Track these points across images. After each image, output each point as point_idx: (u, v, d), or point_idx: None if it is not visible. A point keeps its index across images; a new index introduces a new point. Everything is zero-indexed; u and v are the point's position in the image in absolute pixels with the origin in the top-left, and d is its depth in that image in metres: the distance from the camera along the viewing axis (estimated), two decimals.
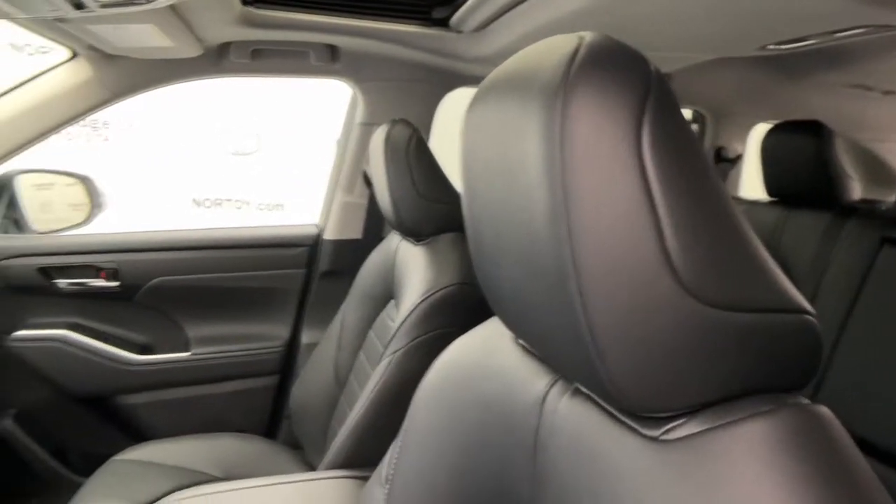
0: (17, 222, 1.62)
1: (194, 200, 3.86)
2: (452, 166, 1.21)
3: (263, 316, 1.69)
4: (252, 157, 3.95)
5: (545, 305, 0.37)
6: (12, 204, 1.62)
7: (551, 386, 0.43)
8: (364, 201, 1.66)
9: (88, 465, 1.49)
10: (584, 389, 0.41)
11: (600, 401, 0.40)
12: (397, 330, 0.97)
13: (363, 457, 1.01)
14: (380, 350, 1.12)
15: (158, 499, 1.15)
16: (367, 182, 1.63)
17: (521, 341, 0.47)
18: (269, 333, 1.70)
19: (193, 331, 1.66)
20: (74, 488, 1.52)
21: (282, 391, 1.70)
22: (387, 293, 1.15)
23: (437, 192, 1.14)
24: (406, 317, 0.95)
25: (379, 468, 0.63)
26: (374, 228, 1.66)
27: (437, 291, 0.96)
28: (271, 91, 3.80)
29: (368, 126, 1.57)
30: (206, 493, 0.96)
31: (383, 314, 1.16)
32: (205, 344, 1.65)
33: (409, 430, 0.56)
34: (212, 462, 1.42)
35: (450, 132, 1.69)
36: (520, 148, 0.36)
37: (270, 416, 1.72)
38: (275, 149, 3.92)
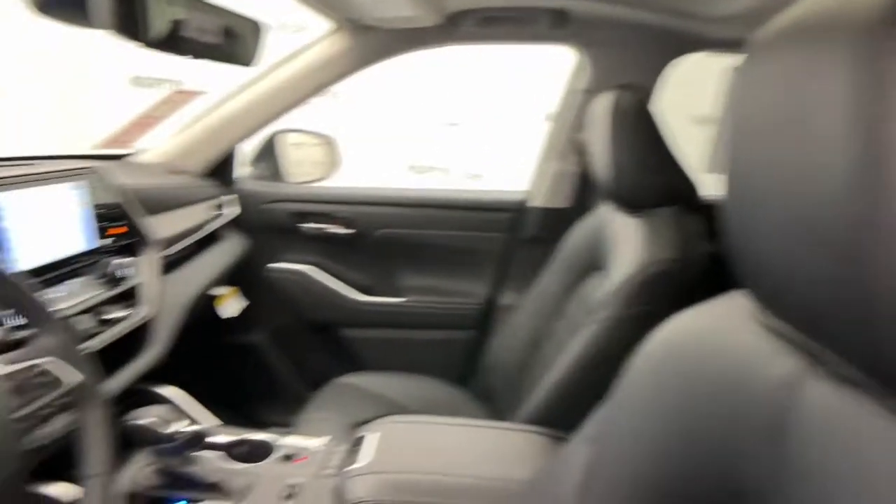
0: (277, 173, 1.92)
1: (411, 167, 4.19)
2: (675, 137, 1.17)
3: (466, 273, 1.80)
4: (459, 127, 4.15)
5: (823, 277, 0.34)
6: (275, 157, 1.92)
7: (802, 368, 0.39)
8: (577, 170, 1.67)
9: (316, 383, 1.75)
10: (849, 375, 0.37)
11: (875, 390, 0.35)
12: (604, 300, 0.98)
13: (557, 416, 1.05)
14: (579, 319, 1.14)
15: (367, 421, 1.31)
16: (580, 150, 1.63)
17: (765, 320, 0.44)
18: (471, 290, 1.81)
19: (408, 280, 1.83)
20: (305, 400, 1.80)
21: (477, 345, 1.81)
22: (592, 264, 1.16)
23: (661, 163, 1.11)
24: (617, 288, 0.96)
25: (583, 429, 0.65)
26: (583, 198, 1.67)
27: (652, 265, 0.95)
28: (479, 63, 3.93)
29: (591, 93, 1.56)
30: (409, 422, 1.08)
31: (586, 284, 1.18)
32: (416, 293, 1.82)
33: (623, 395, 0.57)
34: (412, 398, 1.58)
35: (674, 102, 1.63)
36: (816, 98, 0.33)
37: (464, 367, 1.84)
38: (480, 120, 4.08)
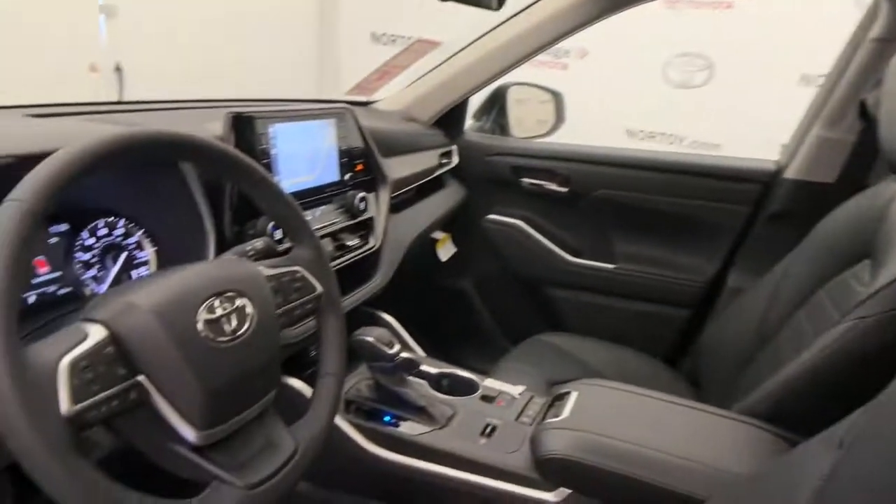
0: (501, 127, 1.95)
1: (628, 131, 3.95)
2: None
3: (692, 247, 1.67)
4: (698, 90, 3.78)
5: None
6: (501, 111, 1.94)
7: None
8: (851, 138, 1.42)
9: (516, 336, 1.78)
10: None
11: None
12: (872, 295, 0.83)
13: (788, 414, 0.93)
14: (831, 312, 0.99)
15: (563, 381, 1.30)
16: (864, 114, 1.37)
17: None
18: (694, 266, 1.67)
19: (622, 246, 1.76)
20: (502, 351, 1.84)
21: (693, 325, 1.68)
22: (860, 250, 0.99)
23: None
24: (891, 282, 0.80)
25: (828, 431, 0.58)
26: (855, 171, 1.41)
27: None
28: (729, 22, 3.52)
29: (887, 42, 1.30)
30: (613, 388, 1.04)
31: (847, 274, 1.01)
32: (631, 261, 1.73)
33: (892, 402, 0.50)
34: (611, 366, 1.52)
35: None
36: None
37: (673, 345, 1.72)
38: (725, 84, 3.66)
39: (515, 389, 1.13)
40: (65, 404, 0.50)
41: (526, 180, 1.78)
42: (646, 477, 0.85)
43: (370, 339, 1.01)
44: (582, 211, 1.76)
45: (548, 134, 1.93)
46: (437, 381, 1.17)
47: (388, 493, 1.02)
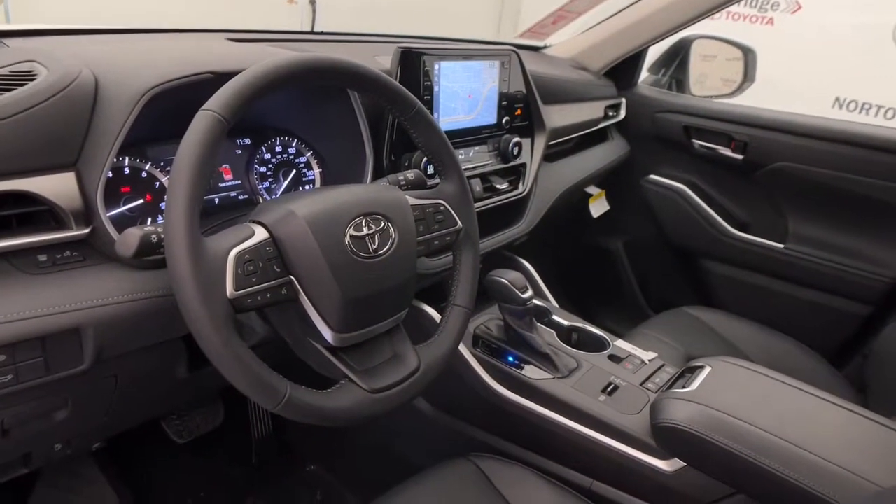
0: (679, 82, 1.82)
1: (837, 99, 3.46)
2: None
3: (883, 237, 1.46)
4: None
5: None
6: (681, 65, 1.80)
7: None
8: None
9: (659, 304, 1.71)
10: None
11: None
12: None
13: None
14: None
15: (700, 356, 1.25)
16: None
17: None
18: (882, 259, 1.47)
19: (797, 226, 1.59)
20: (642, 318, 1.78)
21: (868, 326, 1.49)
22: None
23: None
24: None
25: None
26: None
27: None
28: None
29: None
30: (755, 371, 0.96)
31: None
32: (804, 243, 1.57)
33: None
34: (763, 353, 1.40)
35: None
36: None
37: (841, 344, 1.55)
38: None
39: (647, 355, 1.10)
40: (229, 287, 0.59)
41: (697, 142, 1.66)
42: (776, 468, 0.79)
43: (504, 280, 1.03)
44: (756, 182, 1.61)
45: (732, 95, 1.77)
46: (566, 334, 1.17)
47: (501, 428, 1.06)
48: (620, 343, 1.14)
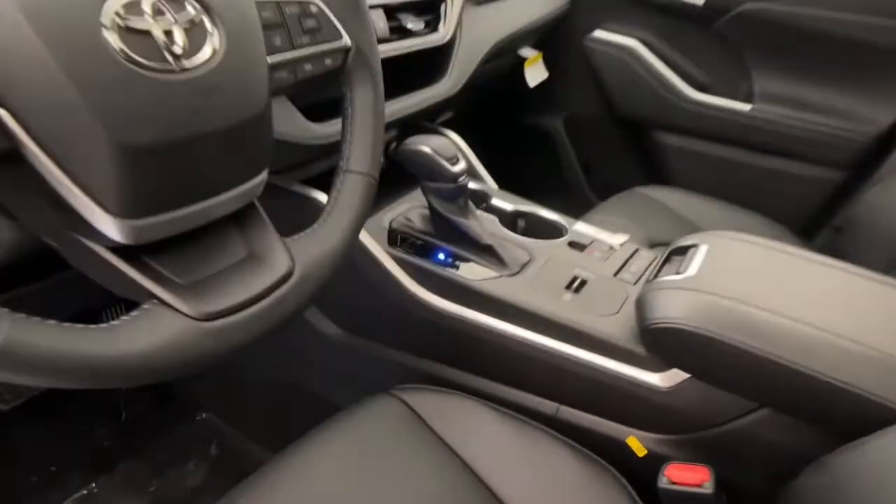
0: None
1: None
2: None
3: (867, 89, 1.25)
4: None
5: None
6: None
7: None
8: None
9: (607, 187, 1.48)
10: None
11: None
12: None
13: None
14: None
15: (666, 240, 1.03)
16: None
17: None
18: (863, 115, 1.26)
19: (763, 83, 1.35)
20: (589, 205, 1.55)
21: (842, 192, 1.31)
22: None
23: None
24: None
25: None
26: None
27: None
28: None
29: None
30: (754, 244, 0.73)
31: None
32: (773, 101, 1.34)
33: None
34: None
35: None
36: None
37: (812, 216, 1.37)
38: None
39: (616, 238, 0.85)
40: None
41: None
42: (816, 370, 0.57)
43: (426, 148, 0.74)
44: (718, 33, 1.35)
45: None
46: (511, 219, 0.90)
47: (434, 349, 0.79)
48: (580, 226, 0.88)
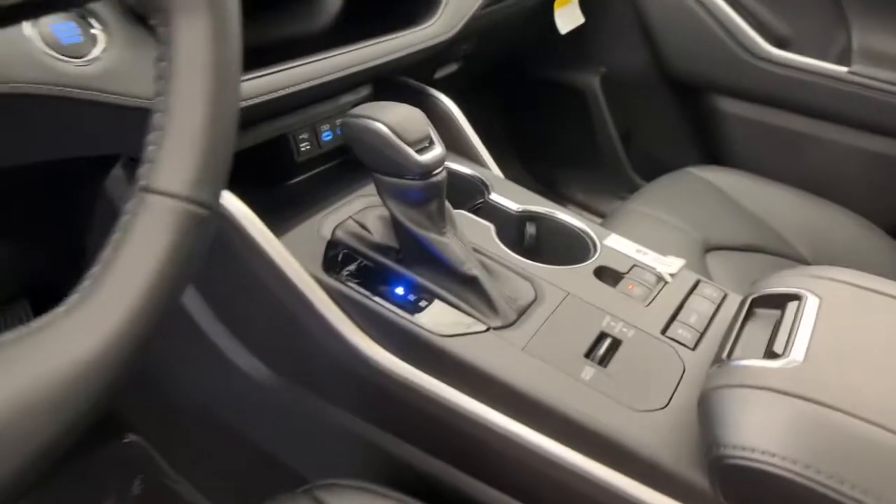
0: None
1: None
2: None
3: None
4: None
5: None
6: None
7: None
8: None
9: (652, 167, 1.20)
10: None
11: None
12: None
13: None
14: None
15: (724, 243, 0.77)
16: None
17: None
18: None
19: (865, 38, 1.04)
20: (630, 187, 1.28)
21: None
22: None
23: None
24: None
25: None
26: None
27: None
28: None
29: None
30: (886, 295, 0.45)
31: None
32: (874, 63, 1.02)
33: None
34: (806, 231, 0.95)
35: None
36: None
37: None
38: None
39: (666, 262, 0.58)
40: None
41: None
42: None
43: (379, 126, 0.47)
44: None
45: None
46: (516, 226, 0.63)
47: (386, 418, 0.54)
48: (614, 241, 0.61)
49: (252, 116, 0.57)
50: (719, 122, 1.19)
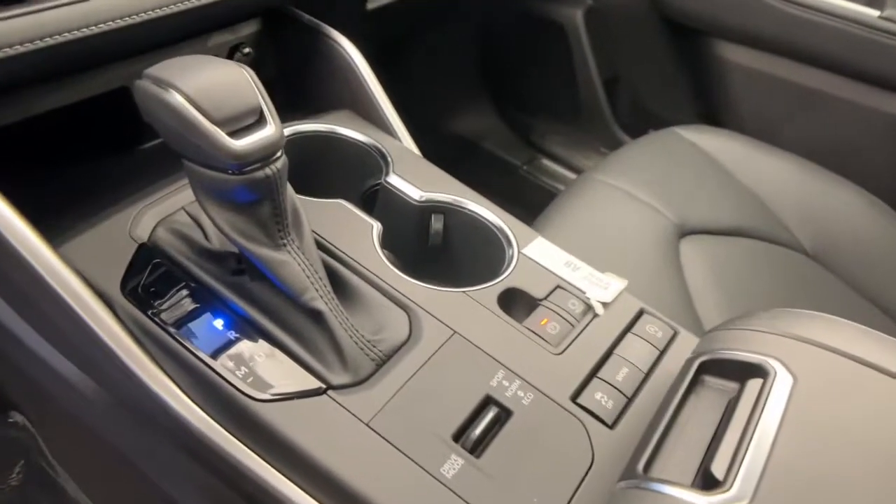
0: None
1: None
2: None
3: None
4: None
5: None
6: None
7: None
8: None
9: (638, 126, 1.04)
10: None
11: None
12: None
13: None
14: None
15: (700, 227, 0.66)
16: None
17: None
18: None
19: None
20: (610, 142, 1.13)
21: None
22: None
23: None
24: None
25: None
26: None
27: None
28: None
29: None
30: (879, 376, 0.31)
31: None
32: None
33: None
34: (803, 210, 0.83)
35: None
36: None
37: None
38: None
39: (602, 283, 0.44)
40: None
41: None
42: None
43: (176, 93, 0.32)
44: None
45: None
46: (417, 218, 0.49)
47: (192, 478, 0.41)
48: (538, 249, 0.46)
49: (74, 59, 0.41)
50: (719, 72, 1.01)
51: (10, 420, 0.84)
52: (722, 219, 0.79)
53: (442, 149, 1.31)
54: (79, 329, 0.37)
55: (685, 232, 0.75)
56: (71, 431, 0.72)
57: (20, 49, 0.36)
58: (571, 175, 1.19)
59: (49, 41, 0.37)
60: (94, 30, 0.40)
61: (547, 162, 1.21)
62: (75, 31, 0.39)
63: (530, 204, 1.12)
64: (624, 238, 0.70)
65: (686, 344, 0.42)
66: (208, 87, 0.33)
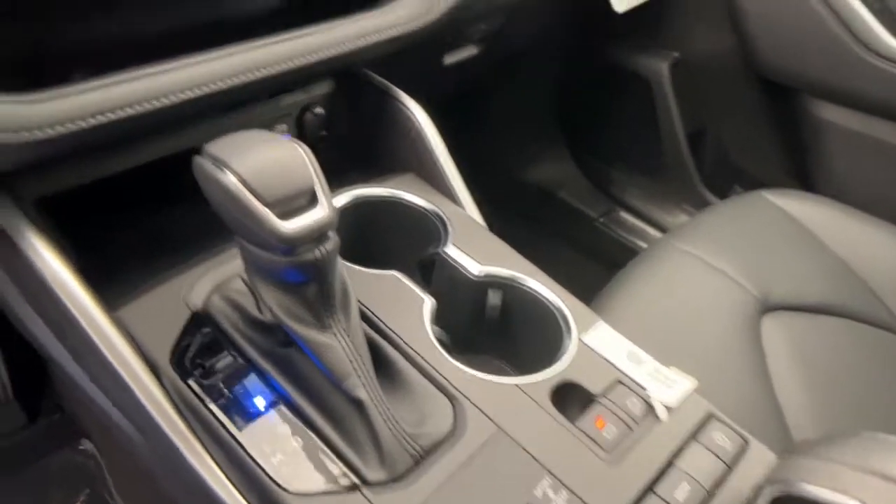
0: None
1: None
2: None
3: None
4: None
5: None
6: None
7: None
8: None
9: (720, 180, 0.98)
10: None
11: None
12: None
13: None
14: None
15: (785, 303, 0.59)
16: None
17: None
18: None
19: None
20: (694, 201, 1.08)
21: None
22: None
23: None
24: None
25: None
26: None
27: None
28: None
29: None
30: None
31: None
32: None
33: None
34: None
35: None
36: None
37: None
38: None
39: (668, 381, 0.40)
40: None
41: None
42: None
43: (229, 173, 0.32)
44: None
45: None
46: (474, 292, 0.47)
47: None
48: (599, 336, 0.43)
49: (148, 127, 0.43)
50: (813, 130, 0.94)
51: (81, 447, 0.87)
52: (810, 294, 0.72)
53: (517, 196, 1.29)
54: (125, 394, 0.37)
55: (768, 308, 0.69)
56: (128, 466, 0.74)
57: (92, 122, 0.38)
58: (650, 229, 1.14)
59: (121, 113, 0.39)
60: (170, 100, 0.41)
61: (625, 215, 1.17)
62: (153, 101, 0.41)
63: (606, 258, 1.08)
64: (699, 314, 0.65)
65: (758, 457, 0.37)
66: (262, 168, 0.33)
